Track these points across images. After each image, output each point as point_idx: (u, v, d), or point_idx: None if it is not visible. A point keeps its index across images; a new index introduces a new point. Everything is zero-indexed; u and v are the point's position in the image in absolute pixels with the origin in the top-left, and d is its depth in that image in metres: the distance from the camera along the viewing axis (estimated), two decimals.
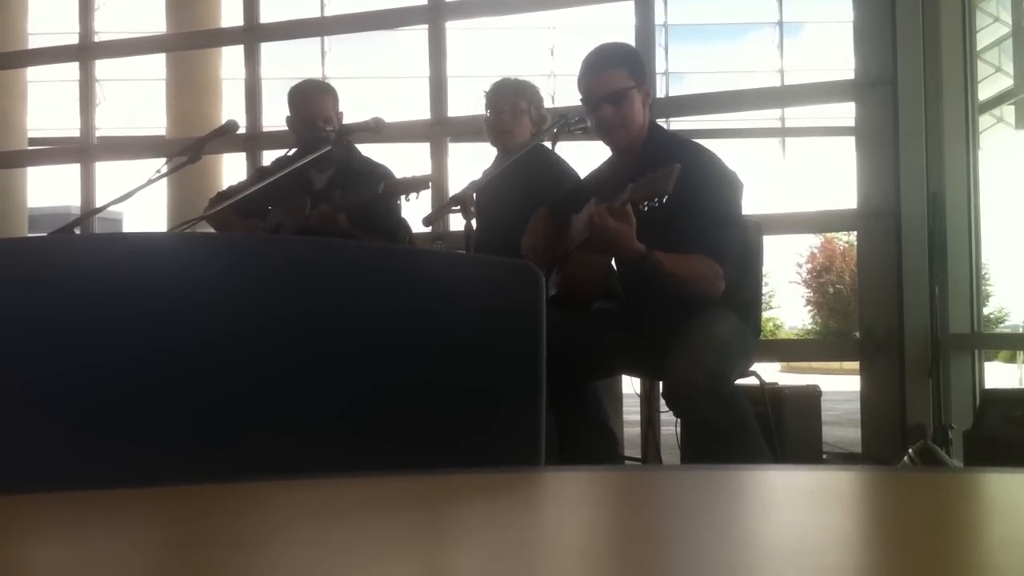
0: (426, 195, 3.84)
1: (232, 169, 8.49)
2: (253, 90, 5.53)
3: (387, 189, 3.58)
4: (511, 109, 3.97)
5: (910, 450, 3.63)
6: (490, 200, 3.97)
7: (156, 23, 11.98)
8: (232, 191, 3.90)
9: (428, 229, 3.94)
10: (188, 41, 8.71)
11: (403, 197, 3.60)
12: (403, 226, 3.95)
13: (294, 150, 3.96)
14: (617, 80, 3.19)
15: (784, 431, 3.71)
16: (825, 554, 0.53)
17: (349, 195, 3.67)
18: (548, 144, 3.79)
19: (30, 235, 8.22)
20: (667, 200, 2.80)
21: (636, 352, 3.24)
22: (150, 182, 3.50)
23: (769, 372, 3.87)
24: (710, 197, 3.06)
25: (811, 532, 0.60)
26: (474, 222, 3.29)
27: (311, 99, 3.97)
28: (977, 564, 0.53)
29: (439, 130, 5.13)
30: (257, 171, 4.40)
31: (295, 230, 3.68)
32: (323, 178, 3.96)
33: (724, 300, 3.07)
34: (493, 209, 3.94)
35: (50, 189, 12.20)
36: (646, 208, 2.83)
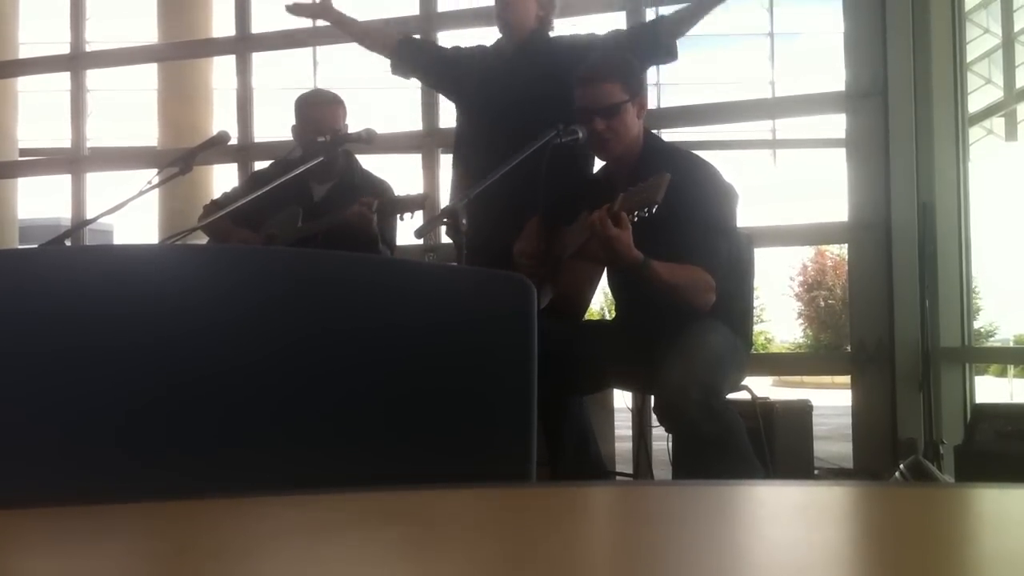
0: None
1: (223, 180, 8.49)
2: (244, 100, 5.52)
3: (382, 206, 3.57)
4: None
5: (901, 465, 3.62)
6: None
7: (147, 33, 11.97)
8: (226, 199, 3.87)
9: (420, 241, 3.92)
10: (179, 51, 8.70)
11: (398, 216, 3.58)
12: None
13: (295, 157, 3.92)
14: (610, 94, 3.16)
15: (775, 446, 3.70)
16: (817, 570, 0.53)
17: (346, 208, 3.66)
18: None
19: (20, 247, 8.19)
20: (659, 210, 2.79)
21: (627, 365, 3.22)
22: (141, 193, 3.49)
23: (761, 386, 3.86)
24: (703, 208, 3.05)
25: (802, 548, 0.59)
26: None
27: (323, 109, 3.95)
28: None
29: (431, 141, 5.12)
30: (252, 177, 4.35)
31: (289, 241, 3.67)
32: (323, 190, 3.93)
33: (717, 313, 3.05)
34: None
35: (40, 200, 12.13)
36: (636, 218, 2.82)
